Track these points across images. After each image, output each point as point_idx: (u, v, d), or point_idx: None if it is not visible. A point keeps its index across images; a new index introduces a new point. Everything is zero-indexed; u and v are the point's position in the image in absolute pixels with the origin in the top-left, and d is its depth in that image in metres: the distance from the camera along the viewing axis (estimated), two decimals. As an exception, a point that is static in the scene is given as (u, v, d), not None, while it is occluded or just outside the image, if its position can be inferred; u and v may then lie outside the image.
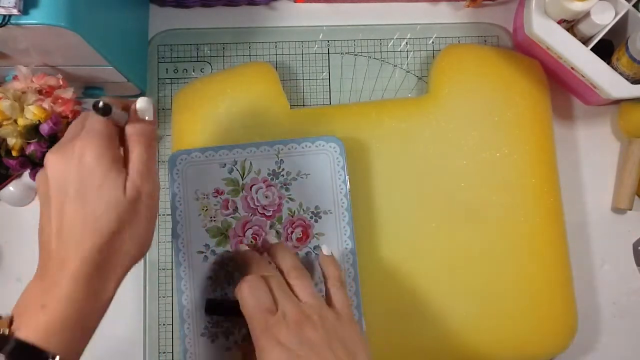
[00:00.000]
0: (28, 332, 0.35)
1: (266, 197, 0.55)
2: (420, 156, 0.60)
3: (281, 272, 0.49)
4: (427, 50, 0.65)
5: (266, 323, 0.44)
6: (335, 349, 0.43)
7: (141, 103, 0.40)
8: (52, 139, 0.50)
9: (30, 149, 0.50)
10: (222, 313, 0.53)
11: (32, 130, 0.49)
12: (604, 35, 0.56)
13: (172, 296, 0.60)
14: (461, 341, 0.57)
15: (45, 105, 0.49)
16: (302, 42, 0.65)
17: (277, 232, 0.55)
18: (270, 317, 0.44)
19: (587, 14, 0.56)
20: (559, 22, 0.56)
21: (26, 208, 0.62)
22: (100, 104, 0.37)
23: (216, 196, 0.55)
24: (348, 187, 0.55)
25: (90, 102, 0.61)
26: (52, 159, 0.39)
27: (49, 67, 0.52)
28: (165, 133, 0.63)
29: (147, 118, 0.41)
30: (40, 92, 0.51)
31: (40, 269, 0.39)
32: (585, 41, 0.57)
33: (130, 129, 0.40)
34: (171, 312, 0.60)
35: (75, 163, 0.38)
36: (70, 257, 0.37)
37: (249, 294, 0.45)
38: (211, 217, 0.55)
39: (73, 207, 0.37)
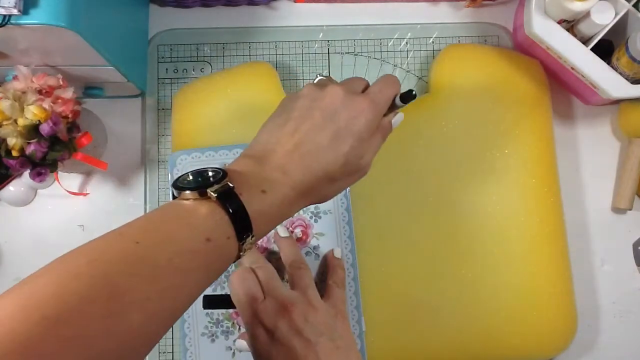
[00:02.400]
0: (248, 203, 0.37)
1: (266, 197, 0.55)
2: (420, 156, 0.60)
3: (284, 264, 0.51)
4: (427, 50, 0.65)
5: (253, 310, 0.46)
6: (321, 340, 0.44)
7: (401, 116, 0.46)
8: (52, 139, 0.50)
9: (30, 149, 0.50)
10: (218, 306, 0.53)
11: (32, 130, 0.49)
12: (604, 35, 0.56)
13: (172, 296, 0.60)
14: (461, 341, 0.57)
15: (45, 105, 0.49)
16: (302, 42, 0.65)
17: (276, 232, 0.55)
18: (257, 304, 0.46)
19: (587, 14, 0.56)
20: (559, 22, 0.56)
21: (26, 208, 0.62)
22: (414, 92, 0.44)
23: (216, 196, 0.55)
24: (348, 187, 0.55)
25: (90, 102, 0.61)
26: (340, 95, 0.42)
27: (49, 67, 0.52)
28: (165, 133, 0.63)
29: (393, 126, 0.47)
30: (40, 92, 0.50)
31: (260, 152, 0.40)
32: (585, 41, 0.57)
33: (386, 122, 0.45)
34: (171, 312, 0.60)
35: (352, 115, 0.41)
36: (296, 169, 0.40)
37: (238, 284, 0.48)
38: (211, 217, 0.55)
39: (325, 139, 0.40)
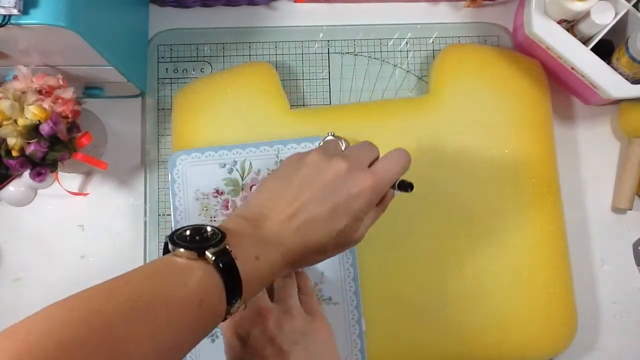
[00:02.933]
0: (242, 269, 0.37)
1: (266, 197, 0.55)
2: (420, 156, 0.60)
3: None
4: (427, 50, 0.65)
5: (232, 318, 0.45)
6: (295, 349, 0.43)
7: (397, 192, 0.46)
8: (52, 139, 0.50)
9: (30, 149, 0.50)
10: None
11: (32, 130, 0.49)
12: (604, 35, 0.56)
13: (172, 296, 0.60)
14: (461, 340, 0.57)
15: (45, 105, 0.49)
16: (302, 42, 0.65)
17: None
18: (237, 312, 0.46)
19: (587, 14, 0.56)
20: (559, 22, 0.56)
21: (26, 208, 0.62)
22: (412, 189, 0.44)
23: (216, 196, 0.55)
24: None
25: (90, 102, 0.61)
26: (344, 171, 0.42)
27: (49, 67, 0.52)
28: (165, 133, 0.63)
29: (394, 195, 0.46)
30: (40, 92, 0.50)
31: (257, 215, 0.41)
32: (585, 41, 0.57)
33: (388, 196, 0.45)
34: (171, 312, 0.60)
35: (353, 193, 0.41)
36: (289, 238, 0.40)
37: None
38: (211, 217, 0.55)
39: (322, 213, 0.41)
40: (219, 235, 0.37)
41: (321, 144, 0.47)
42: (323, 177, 0.42)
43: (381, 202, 0.44)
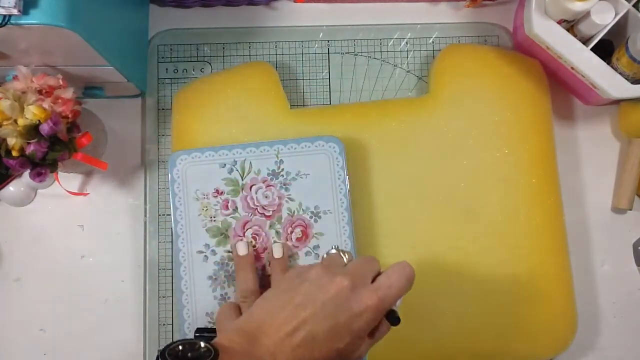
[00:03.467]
0: None
1: (266, 197, 0.55)
2: (420, 156, 0.60)
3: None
4: (427, 50, 0.65)
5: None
6: None
7: (400, 301, 0.44)
8: (52, 139, 0.50)
9: (30, 149, 0.50)
10: (208, 332, 0.53)
11: (32, 130, 0.49)
12: (604, 35, 0.56)
13: (172, 296, 0.60)
14: (461, 341, 0.57)
15: (45, 105, 0.49)
16: (302, 42, 0.65)
17: (276, 232, 0.55)
18: None
19: (587, 14, 0.56)
20: (559, 22, 0.56)
21: (26, 208, 0.62)
22: (398, 324, 0.44)
23: (216, 196, 0.55)
24: (348, 186, 0.55)
25: (90, 102, 0.61)
26: (347, 289, 0.41)
27: (49, 67, 0.52)
28: (165, 133, 0.63)
29: (396, 304, 0.45)
30: (40, 92, 0.50)
31: (254, 330, 0.40)
32: (585, 41, 0.57)
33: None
34: (171, 312, 0.60)
35: (354, 312, 0.41)
36: (285, 357, 0.39)
37: (221, 318, 0.48)
38: (211, 217, 0.55)
39: (321, 332, 0.40)
40: (212, 354, 0.37)
41: (324, 257, 0.47)
42: (324, 296, 0.41)
43: (375, 331, 0.43)
